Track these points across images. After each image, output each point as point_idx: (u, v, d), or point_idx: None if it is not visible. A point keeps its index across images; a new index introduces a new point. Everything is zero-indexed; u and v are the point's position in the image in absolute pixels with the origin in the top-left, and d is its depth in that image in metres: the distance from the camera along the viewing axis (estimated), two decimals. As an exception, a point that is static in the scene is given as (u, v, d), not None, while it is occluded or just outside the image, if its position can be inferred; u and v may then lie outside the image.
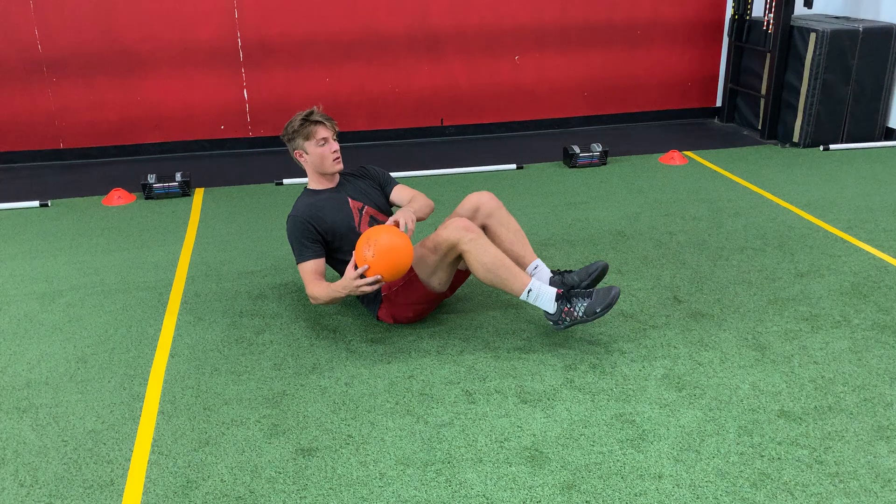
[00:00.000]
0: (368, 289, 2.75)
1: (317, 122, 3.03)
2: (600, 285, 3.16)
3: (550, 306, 2.82)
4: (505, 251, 3.05)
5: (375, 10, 5.66)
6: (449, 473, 2.27)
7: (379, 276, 2.72)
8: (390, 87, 5.91)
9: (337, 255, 3.08)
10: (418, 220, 3.02)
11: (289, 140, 3.08)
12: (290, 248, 3.07)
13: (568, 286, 2.96)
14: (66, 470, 2.32)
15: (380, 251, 2.68)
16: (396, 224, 2.86)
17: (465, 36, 5.87)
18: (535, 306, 2.93)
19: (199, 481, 2.26)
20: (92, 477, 2.29)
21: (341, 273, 3.08)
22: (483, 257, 2.79)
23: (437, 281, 2.96)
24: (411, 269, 2.93)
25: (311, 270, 2.98)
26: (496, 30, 5.89)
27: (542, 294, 2.82)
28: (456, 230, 2.81)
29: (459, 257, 2.89)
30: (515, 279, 2.82)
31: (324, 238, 3.03)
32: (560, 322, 2.82)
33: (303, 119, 3.04)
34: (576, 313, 2.78)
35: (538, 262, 3.08)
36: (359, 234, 3.04)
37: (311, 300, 2.97)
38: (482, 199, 3.08)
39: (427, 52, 5.85)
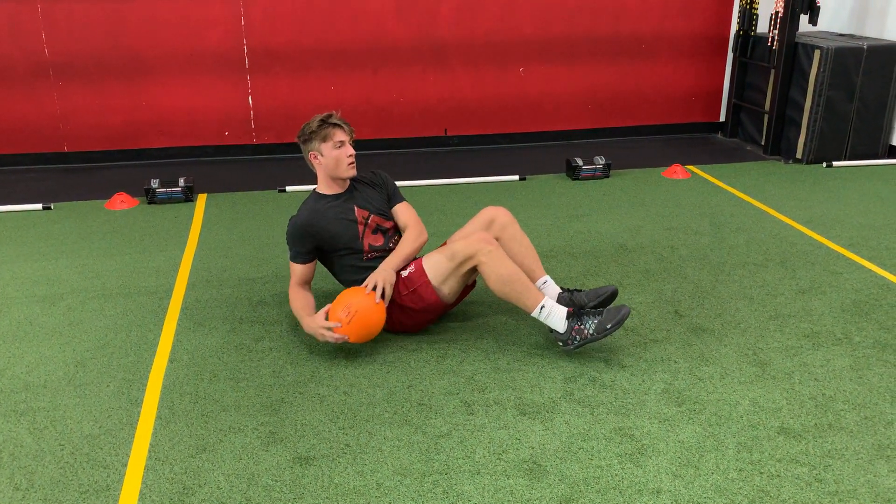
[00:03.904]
0: (330, 339, 2.84)
1: (335, 125, 3.05)
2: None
3: (561, 325, 2.85)
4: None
5: (382, 20, 5.68)
6: (446, 485, 2.26)
7: (346, 338, 2.83)
8: (395, 97, 5.92)
9: (335, 256, 3.08)
10: (406, 257, 3.03)
11: (305, 141, 3.09)
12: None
13: (576, 305, 2.99)
14: (63, 474, 2.31)
15: (355, 320, 2.82)
16: (375, 288, 2.89)
17: (471, 47, 5.88)
18: (545, 324, 2.94)
19: (195, 488, 2.25)
20: (88, 481, 2.28)
21: (334, 273, 3.16)
22: (501, 269, 2.84)
23: (448, 289, 2.98)
24: (424, 274, 2.95)
25: (298, 273, 3.09)
26: (502, 41, 5.91)
27: (553, 312, 2.85)
28: (476, 241, 2.88)
29: (471, 271, 2.93)
30: (530, 295, 2.86)
31: (320, 246, 3.06)
32: (570, 342, 2.84)
33: (321, 121, 3.05)
34: (586, 331, 2.80)
35: (547, 278, 3.13)
36: (361, 245, 3.06)
37: (289, 299, 3.08)
38: (497, 213, 3.17)
39: (433, 62, 5.87)
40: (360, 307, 2.83)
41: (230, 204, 4.77)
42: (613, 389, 2.73)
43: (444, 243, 3.22)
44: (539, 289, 3.06)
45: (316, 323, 2.87)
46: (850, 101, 5.45)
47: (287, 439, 2.46)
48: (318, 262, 3.16)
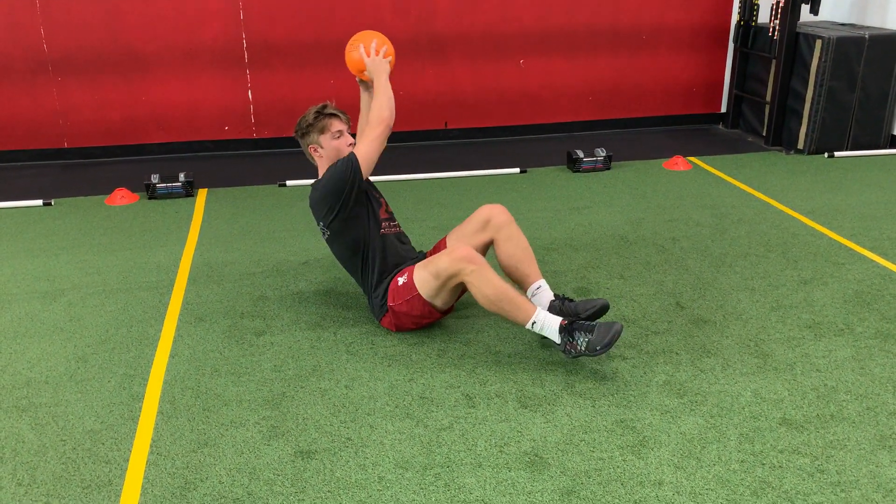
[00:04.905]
0: (386, 55, 3.09)
1: (331, 115, 3.03)
2: (603, 320, 3.04)
3: (555, 337, 2.77)
4: (510, 267, 3.04)
5: (380, 13, 5.66)
6: (448, 478, 2.26)
7: (385, 48, 3.11)
8: (395, 90, 5.80)
9: (352, 212, 2.98)
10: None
11: (302, 135, 3.06)
12: (333, 187, 2.92)
13: (567, 315, 2.89)
14: (65, 469, 2.31)
15: (377, 41, 3.13)
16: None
17: (470, 39, 5.86)
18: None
19: (197, 482, 2.25)
20: (90, 477, 2.28)
21: (350, 258, 3.06)
22: (485, 289, 2.75)
23: (441, 301, 2.95)
24: (415, 288, 2.91)
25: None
26: (501, 33, 5.89)
27: (546, 325, 2.76)
28: (457, 261, 2.77)
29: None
30: (519, 311, 2.77)
31: (357, 195, 2.94)
32: (567, 352, 2.77)
33: (317, 112, 3.03)
34: (579, 347, 2.72)
35: (542, 282, 3.04)
36: (379, 218, 3.05)
37: (382, 128, 2.99)
38: (493, 212, 3.07)
39: (432, 55, 5.85)
40: (359, 35, 3.14)
41: (230, 199, 4.76)
42: (615, 381, 2.73)
43: (443, 239, 3.20)
44: (532, 294, 3.01)
45: (374, 63, 3.07)
46: (851, 91, 5.43)
47: (289, 433, 2.46)
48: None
